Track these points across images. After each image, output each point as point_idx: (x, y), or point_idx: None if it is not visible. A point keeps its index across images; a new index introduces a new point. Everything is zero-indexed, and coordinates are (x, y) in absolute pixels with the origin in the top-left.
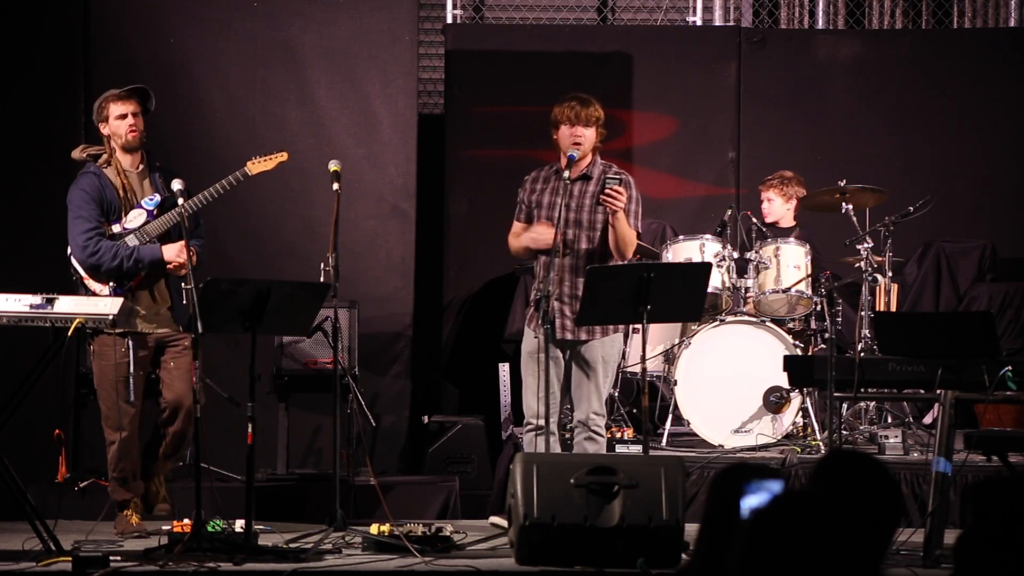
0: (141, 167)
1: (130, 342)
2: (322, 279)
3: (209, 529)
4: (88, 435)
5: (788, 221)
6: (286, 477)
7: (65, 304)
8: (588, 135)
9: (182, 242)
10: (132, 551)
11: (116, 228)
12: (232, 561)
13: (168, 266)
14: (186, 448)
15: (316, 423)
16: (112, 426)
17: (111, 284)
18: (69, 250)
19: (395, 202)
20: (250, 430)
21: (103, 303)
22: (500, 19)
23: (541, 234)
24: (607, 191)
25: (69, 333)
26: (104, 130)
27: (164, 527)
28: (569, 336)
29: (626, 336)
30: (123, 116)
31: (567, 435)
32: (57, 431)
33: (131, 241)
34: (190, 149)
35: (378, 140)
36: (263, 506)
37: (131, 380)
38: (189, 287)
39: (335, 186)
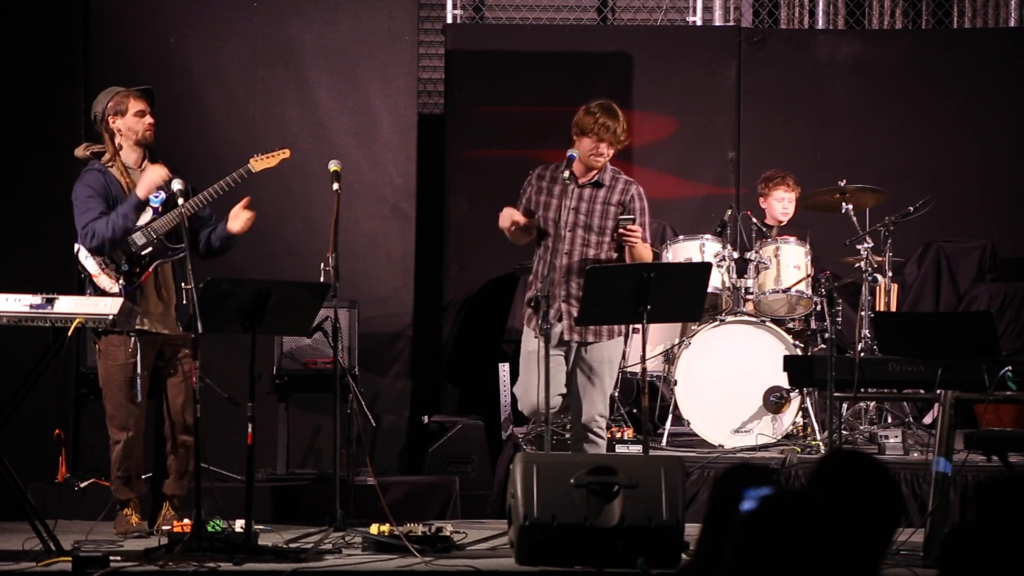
0: (144, 164)
1: (137, 342)
2: (322, 279)
3: (209, 529)
4: (88, 435)
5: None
6: (286, 477)
7: (65, 304)
8: (610, 153)
9: (153, 167)
10: (132, 551)
11: None
12: (232, 561)
13: (149, 189)
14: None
15: (316, 423)
16: (117, 426)
17: (120, 282)
18: (76, 248)
19: (395, 202)
20: (250, 430)
21: (103, 303)
22: (500, 19)
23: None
24: (622, 231)
25: (69, 333)
26: (115, 124)
27: (164, 527)
28: (576, 337)
29: (626, 336)
30: (142, 113)
31: (567, 435)
32: (57, 431)
33: (138, 239)
34: (190, 149)
35: (378, 140)
36: (263, 506)
37: (138, 380)
38: (189, 287)
39: (335, 186)
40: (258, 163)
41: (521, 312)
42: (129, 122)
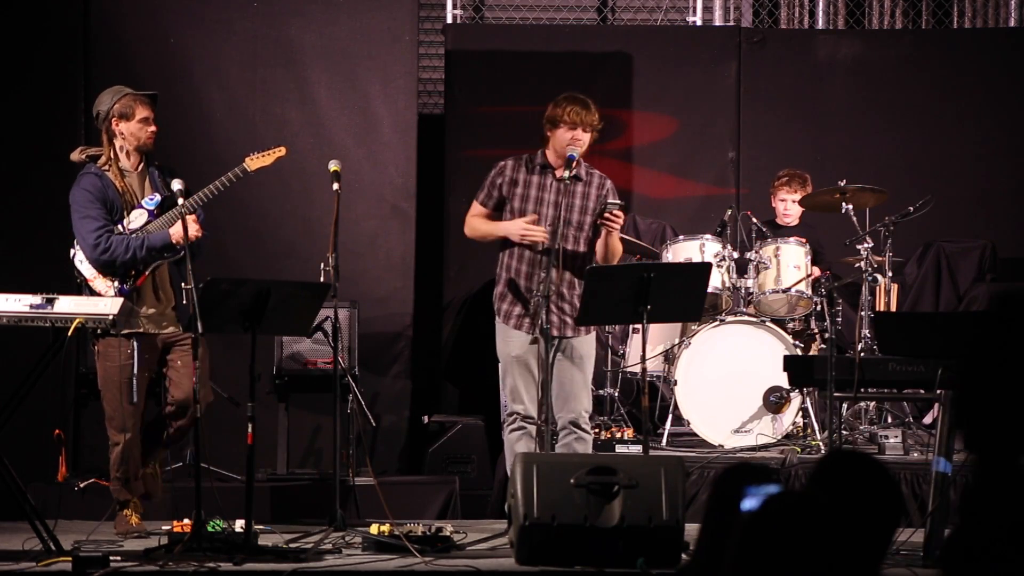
0: (140, 167)
1: (135, 344)
2: (322, 279)
3: (209, 529)
4: (88, 435)
5: (796, 219)
6: (286, 477)
7: (65, 304)
8: (586, 140)
9: (191, 217)
10: (132, 551)
11: (119, 229)
12: (232, 561)
13: (191, 238)
14: (186, 442)
15: (316, 423)
16: (116, 427)
17: (116, 284)
18: (72, 252)
19: (395, 202)
20: (250, 430)
21: (103, 303)
22: (500, 19)
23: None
24: (607, 215)
25: (69, 333)
26: (118, 127)
27: (164, 527)
28: (555, 332)
29: (626, 336)
30: (147, 120)
31: (555, 429)
32: (57, 431)
33: None
34: (190, 149)
35: (378, 140)
36: (263, 506)
37: (135, 382)
38: (189, 287)
39: (335, 186)
40: (254, 162)
41: None
42: (133, 128)
